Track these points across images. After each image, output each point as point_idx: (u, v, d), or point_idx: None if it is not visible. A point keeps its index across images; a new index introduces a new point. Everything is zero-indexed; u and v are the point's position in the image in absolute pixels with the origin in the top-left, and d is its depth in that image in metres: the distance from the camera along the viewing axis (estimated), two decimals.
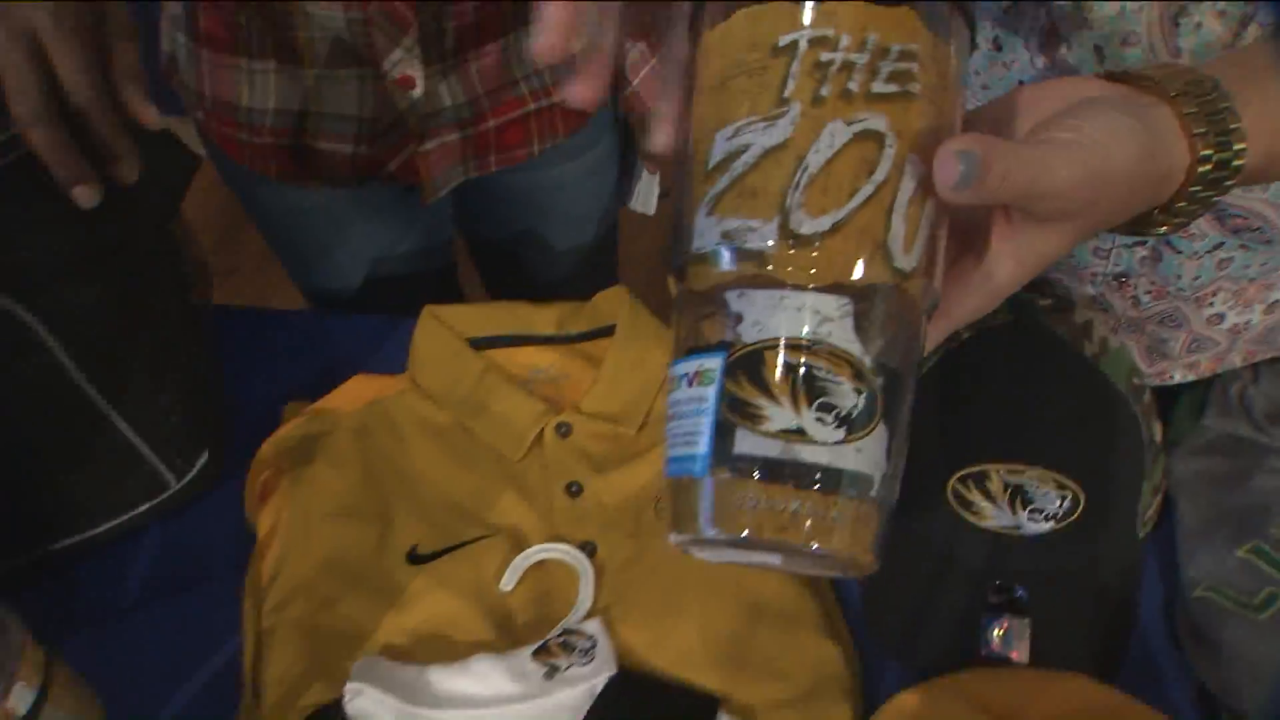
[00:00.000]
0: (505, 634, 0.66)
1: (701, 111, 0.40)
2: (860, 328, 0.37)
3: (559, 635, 0.64)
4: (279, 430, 0.75)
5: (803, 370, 0.37)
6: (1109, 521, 0.64)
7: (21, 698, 0.48)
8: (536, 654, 0.63)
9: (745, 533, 0.37)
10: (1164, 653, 0.66)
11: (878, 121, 0.37)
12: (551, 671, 0.62)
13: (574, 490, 0.71)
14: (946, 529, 0.65)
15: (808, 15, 0.37)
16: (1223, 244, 0.65)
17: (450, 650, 0.65)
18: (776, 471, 0.37)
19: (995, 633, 0.63)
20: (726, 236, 0.38)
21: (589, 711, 0.60)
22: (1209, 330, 0.71)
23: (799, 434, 0.37)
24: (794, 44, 0.37)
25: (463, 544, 0.70)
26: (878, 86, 0.37)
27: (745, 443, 0.37)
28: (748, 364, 0.37)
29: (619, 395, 0.76)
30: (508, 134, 0.92)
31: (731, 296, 0.38)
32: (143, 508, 0.72)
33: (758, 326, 0.38)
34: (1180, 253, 0.67)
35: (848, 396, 0.37)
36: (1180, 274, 0.68)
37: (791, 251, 0.37)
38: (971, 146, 0.36)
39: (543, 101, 0.92)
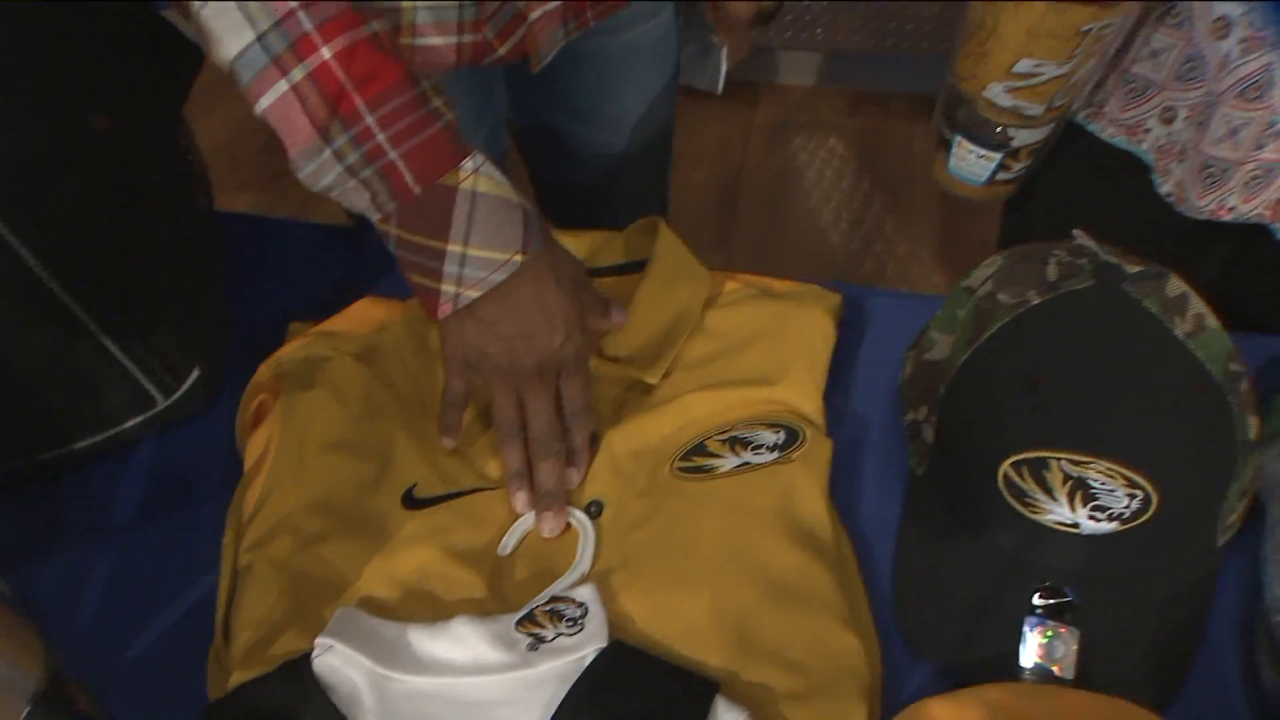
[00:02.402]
0: (497, 594, 0.61)
1: (1007, 42, 0.68)
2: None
3: (546, 603, 0.58)
4: (279, 350, 0.70)
5: None
6: (1184, 526, 0.56)
7: None
8: (521, 623, 0.57)
9: None
10: (1235, 679, 0.57)
11: None
12: (537, 643, 0.57)
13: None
14: (993, 519, 0.58)
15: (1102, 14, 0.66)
16: None
17: (436, 607, 0.60)
18: None
19: (1038, 640, 0.55)
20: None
21: (573, 686, 0.54)
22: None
23: None
24: (1090, 30, 0.66)
25: (462, 493, 0.65)
26: None
27: None
28: None
29: (643, 338, 0.69)
30: None
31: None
32: (127, 424, 0.67)
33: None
34: None
35: None
36: None
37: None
38: None
39: None
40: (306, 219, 0.87)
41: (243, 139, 1.97)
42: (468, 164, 0.56)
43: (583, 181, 1.01)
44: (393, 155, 0.54)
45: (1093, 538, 0.56)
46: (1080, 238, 0.60)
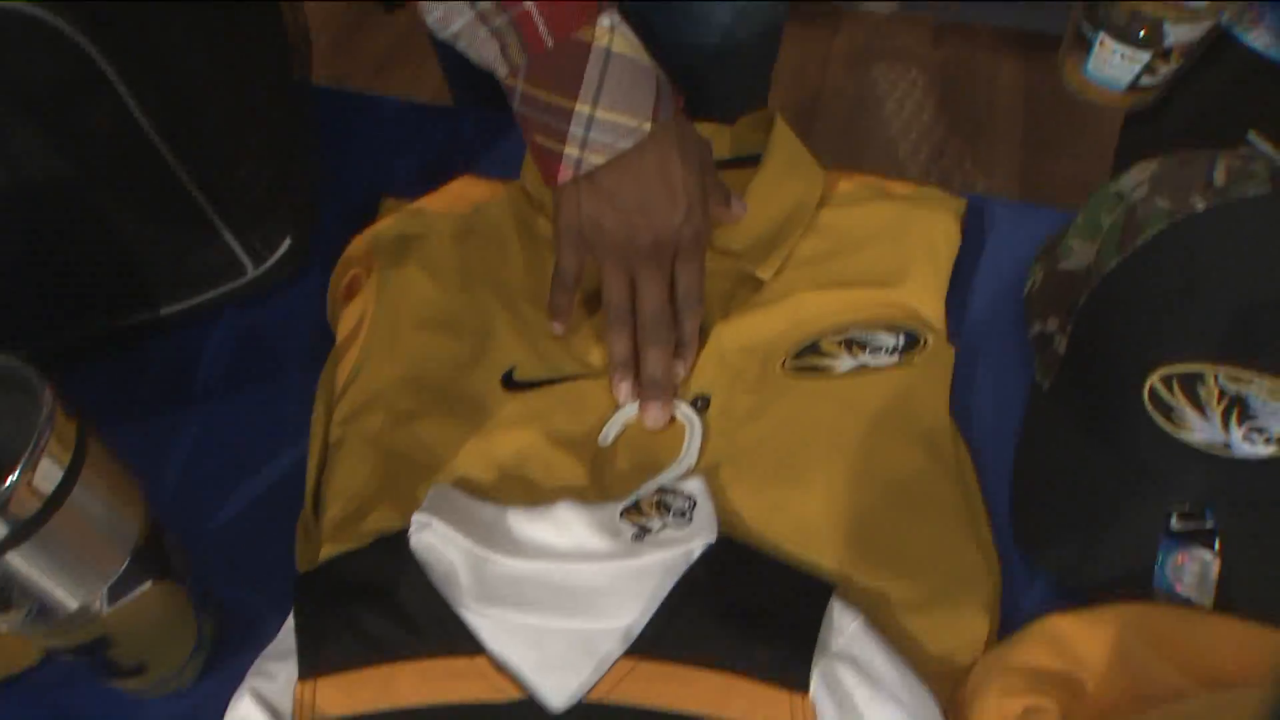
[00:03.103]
0: (598, 483, 0.58)
1: None
2: None
3: (653, 494, 0.56)
4: (373, 225, 0.68)
5: None
6: None
7: (47, 475, 0.42)
8: (626, 512, 0.55)
9: None
10: None
11: None
12: (642, 533, 0.54)
13: None
14: (1132, 435, 0.54)
15: None
16: None
17: (535, 492, 0.58)
18: None
19: (1174, 564, 0.52)
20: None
21: (680, 579, 0.52)
22: None
23: None
24: None
25: (564, 379, 0.62)
26: None
27: None
28: None
29: (755, 233, 0.65)
30: None
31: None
32: (215, 291, 0.65)
33: None
34: None
35: None
36: None
37: None
38: None
39: None
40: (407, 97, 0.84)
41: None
42: (604, 21, 0.52)
43: (689, 66, 0.96)
44: (528, 3, 0.50)
45: (1244, 462, 0.52)
46: (1255, 140, 0.56)
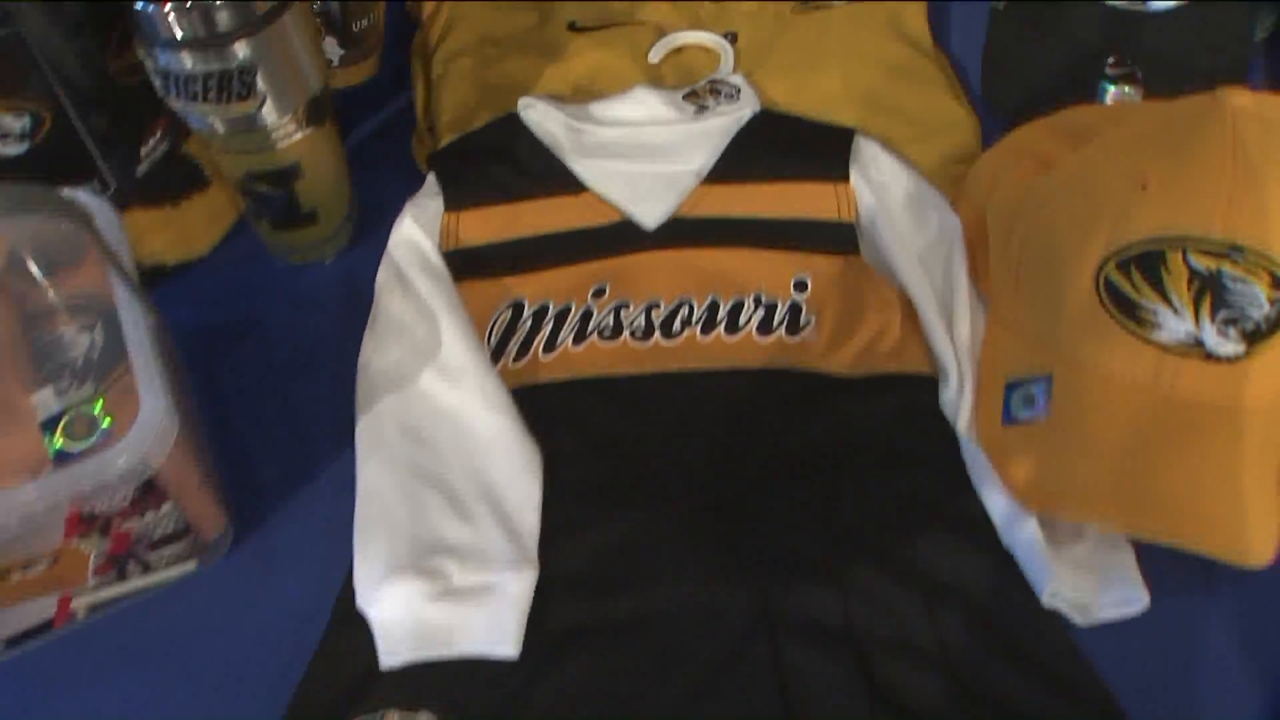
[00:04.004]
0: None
1: None
2: None
3: (706, 83, 0.70)
4: None
5: None
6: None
7: None
8: (687, 96, 0.69)
9: None
10: None
11: None
12: (701, 109, 0.68)
13: None
14: (1081, 19, 0.70)
15: None
16: None
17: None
18: None
19: (1112, 93, 0.68)
20: None
21: (736, 134, 0.66)
22: None
23: None
24: None
25: (618, 24, 0.76)
26: None
27: None
28: None
29: None
30: None
31: None
32: None
33: None
34: None
35: None
36: None
37: None
38: None
39: None
40: None
41: None
42: None
43: None
44: None
45: (1155, 14, 0.68)
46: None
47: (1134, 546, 0.52)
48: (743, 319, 0.60)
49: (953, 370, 0.57)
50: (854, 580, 0.51)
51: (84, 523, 0.47)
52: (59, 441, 0.48)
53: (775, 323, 0.60)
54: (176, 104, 0.56)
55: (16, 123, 0.55)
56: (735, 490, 0.54)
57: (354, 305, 0.62)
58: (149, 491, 0.48)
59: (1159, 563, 0.51)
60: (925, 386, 0.58)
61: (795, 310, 0.60)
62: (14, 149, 0.55)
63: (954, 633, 0.50)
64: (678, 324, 0.60)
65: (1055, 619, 0.50)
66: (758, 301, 0.60)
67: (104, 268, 0.53)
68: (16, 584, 0.48)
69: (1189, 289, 0.51)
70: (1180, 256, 0.51)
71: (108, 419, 0.49)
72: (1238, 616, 0.52)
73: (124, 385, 0.50)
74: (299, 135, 0.59)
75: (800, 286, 0.61)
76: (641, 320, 0.60)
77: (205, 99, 0.55)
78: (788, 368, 0.58)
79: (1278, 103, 0.55)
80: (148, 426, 0.45)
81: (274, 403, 0.62)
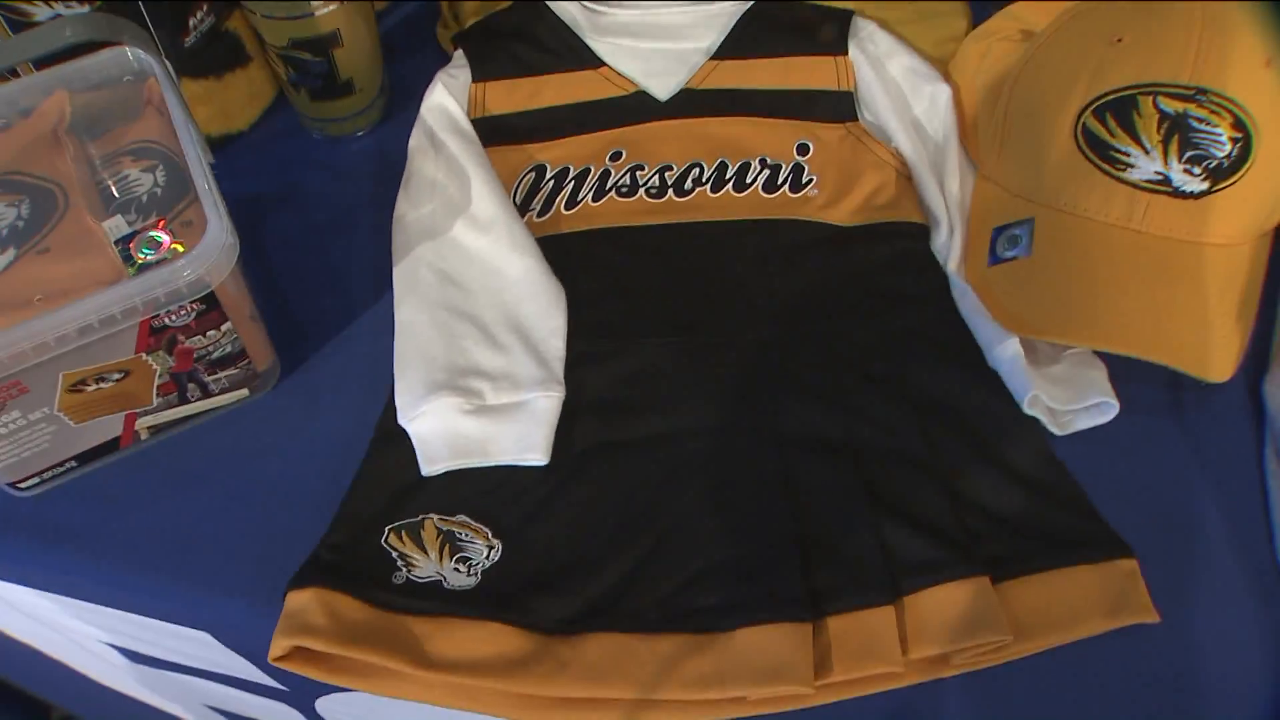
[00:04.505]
0: None
1: None
2: None
3: None
4: None
5: None
6: None
7: None
8: None
9: None
10: None
11: None
12: None
13: None
14: None
15: None
16: None
17: None
18: None
19: None
20: None
21: (743, 15, 0.70)
22: None
23: None
24: None
25: None
26: None
27: None
28: None
29: None
30: None
31: None
32: None
33: None
34: None
35: None
36: None
37: None
38: None
39: None
40: None
41: None
42: None
43: None
44: None
45: None
46: None
47: (1106, 364, 0.57)
48: (750, 178, 0.65)
49: (944, 219, 0.62)
50: (854, 401, 0.56)
51: (153, 335, 0.52)
52: (135, 258, 0.53)
53: (780, 181, 0.65)
54: None
55: None
56: (743, 327, 0.59)
57: (387, 175, 0.66)
58: (210, 309, 0.53)
59: (1130, 383, 0.56)
60: (919, 233, 0.63)
61: (798, 170, 0.65)
62: (75, 8, 0.60)
63: (943, 441, 0.55)
64: (689, 183, 0.65)
65: (1034, 426, 0.56)
66: (763, 163, 0.65)
67: (160, 121, 0.58)
68: (90, 396, 0.53)
69: (1159, 131, 0.56)
70: (1151, 101, 0.56)
71: (176, 245, 0.53)
72: (1200, 430, 0.57)
73: (185, 218, 0.55)
74: (335, 5, 0.64)
75: (803, 150, 0.66)
76: (656, 180, 0.65)
77: None
78: (792, 218, 0.63)
79: None
80: (213, 243, 0.50)
81: (315, 258, 0.66)
